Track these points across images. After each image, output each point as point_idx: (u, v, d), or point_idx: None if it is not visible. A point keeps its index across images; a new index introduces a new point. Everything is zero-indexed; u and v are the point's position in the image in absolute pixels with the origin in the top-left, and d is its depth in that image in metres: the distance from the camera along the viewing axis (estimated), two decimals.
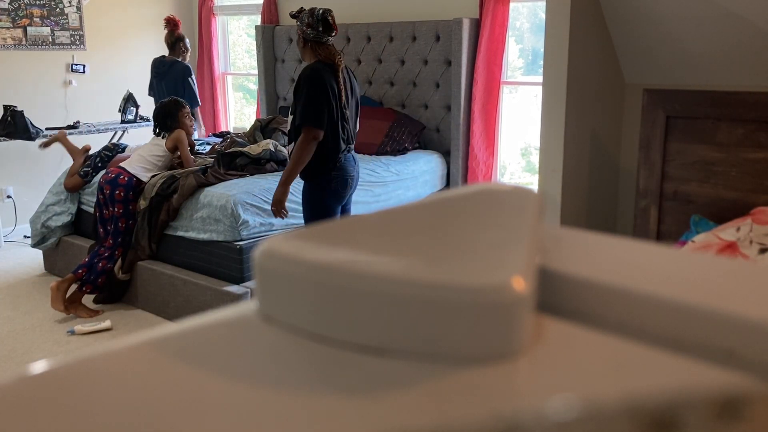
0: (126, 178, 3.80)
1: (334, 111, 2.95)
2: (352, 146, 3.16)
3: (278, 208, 3.08)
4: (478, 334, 0.33)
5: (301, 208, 3.57)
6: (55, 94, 5.46)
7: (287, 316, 0.38)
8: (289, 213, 3.39)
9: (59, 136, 4.33)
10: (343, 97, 2.99)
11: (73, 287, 3.80)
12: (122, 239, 3.81)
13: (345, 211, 3.30)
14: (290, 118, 3.06)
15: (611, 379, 0.31)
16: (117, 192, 3.77)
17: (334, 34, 3.01)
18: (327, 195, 3.10)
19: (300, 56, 3.12)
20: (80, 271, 3.80)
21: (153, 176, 3.87)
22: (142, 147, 4.07)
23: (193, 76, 5.11)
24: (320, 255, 0.38)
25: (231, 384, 0.33)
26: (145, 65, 6.04)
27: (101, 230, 3.92)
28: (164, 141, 3.95)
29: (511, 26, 4.50)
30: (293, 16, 3.07)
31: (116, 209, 3.78)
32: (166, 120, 3.98)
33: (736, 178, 2.66)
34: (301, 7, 3.08)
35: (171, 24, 5.10)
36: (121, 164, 3.91)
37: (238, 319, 0.40)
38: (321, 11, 2.98)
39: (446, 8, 4.69)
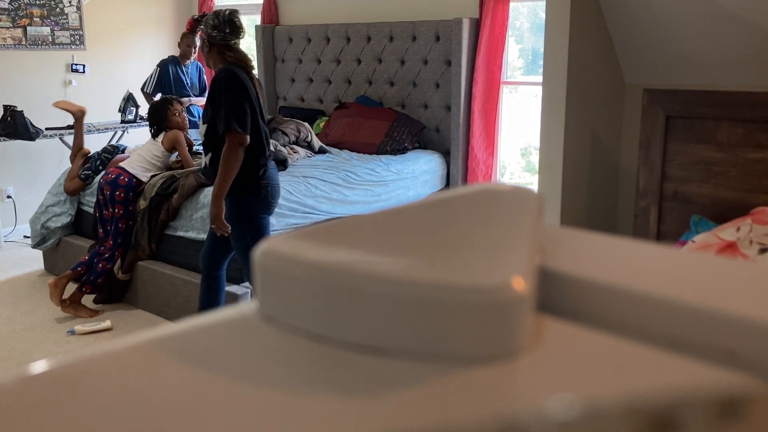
0: (126, 179, 3.80)
1: (256, 116, 2.79)
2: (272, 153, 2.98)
3: (218, 224, 2.81)
4: (478, 334, 0.33)
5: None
6: (55, 94, 5.45)
7: (287, 316, 0.38)
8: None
9: (78, 114, 4.28)
10: (261, 101, 2.84)
11: (74, 287, 3.80)
12: (122, 240, 3.81)
13: None
14: (203, 127, 2.86)
15: (611, 379, 0.31)
16: (117, 193, 3.77)
17: (241, 36, 2.86)
18: (259, 207, 2.88)
19: (206, 62, 2.91)
20: (79, 268, 3.80)
21: (153, 176, 3.87)
22: (140, 147, 4.07)
23: (166, 68, 5.10)
24: (320, 255, 0.38)
25: (231, 384, 0.33)
26: (145, 65, 6.05)
27: (101, 230, 3.92)
28: (161, 141, 3.93)
29: (511, 26, 4.51)
30: (197, 20, 2.89)
31: (116, 210, 3.78)
32: (157, 120, 3.97)
33: (736, 178, 2.66)
34: (204, 12, 2.96)
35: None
36: (121, 164, 3.91)
37: (238, 319, 0.40)
38: (227, 12, 2.84)
39: (446, 8, 4.69)
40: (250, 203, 2.86)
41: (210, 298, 3.13)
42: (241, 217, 2.85)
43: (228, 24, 2.81)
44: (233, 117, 2.69)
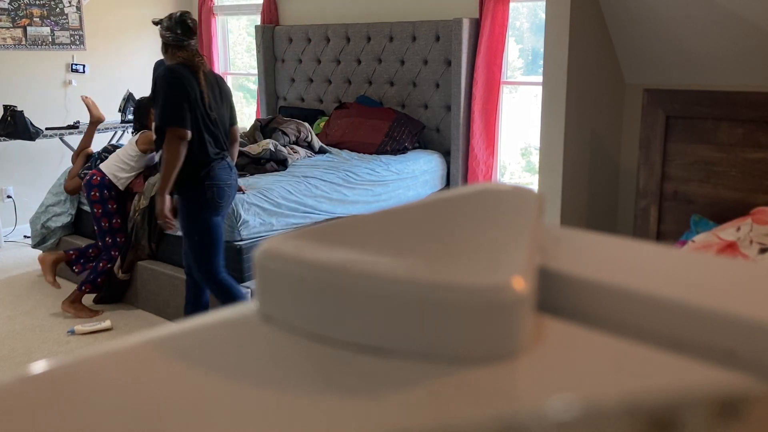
0: (99, 178, 3.77)
1: (199, 115, 2.81)
2: (227, 153, 2.99)
3: (163, 219, 2.90)
4: (478, 334, 0.33)
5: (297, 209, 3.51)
6: (55, 94, 5.46)
7: (287, 316, 0.38)
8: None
9: (94, 119, 4.27)
10: (207, 100, 2.86)
11: (74, 287, 3.80)
12: (111, 239, 3.79)
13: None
14: (154, 126, 2.91)
15: (611, 379, 0.31)
16: (92, 193, 3.75)
17: (194, 37, 2.92)
18: (203, 208, 2.91)
19: (167, 62, 2.99)
20: (71, 252, 3.80)
21: (131, 176, 3.82)
22: (121, 147, 4.05)
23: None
24: (320, 255, 0.38)
25: (231, 384, 0.33)
26: (144, 65, 6.05)
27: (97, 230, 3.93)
28: (135, 141, 3.87)
29: (511, 26, 4.50)
30: (156, 23, 3.00)
31: (96, 210, 3.77)
32: (138, 117, 3.93)
33: (736, 178, 2.66)
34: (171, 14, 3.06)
35: None
36: (100, 165, 3.89)
37: (238, 319, 0.40)
38: (179, 14, 2.92)
39: (446, 8, 4.69)
40: (195, 203, 2.91)
41: (189, 296, 3.20)
42: (187, 216, 2.92)
43: (179, 25, 2.90)
44: (168, 112, 2.76)
